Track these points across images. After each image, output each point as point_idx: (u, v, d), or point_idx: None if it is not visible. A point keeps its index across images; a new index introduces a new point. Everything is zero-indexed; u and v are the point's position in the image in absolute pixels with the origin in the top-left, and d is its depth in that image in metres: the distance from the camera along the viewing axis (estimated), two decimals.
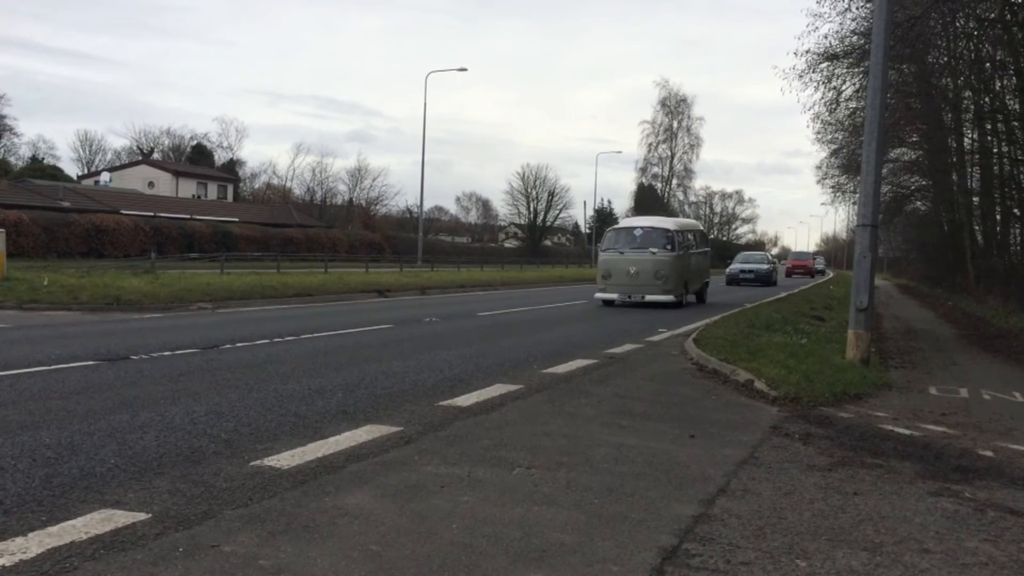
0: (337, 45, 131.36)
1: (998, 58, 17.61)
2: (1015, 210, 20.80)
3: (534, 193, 78.32)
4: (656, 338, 11.09)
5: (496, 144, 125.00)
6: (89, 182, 62.51)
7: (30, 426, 4.75)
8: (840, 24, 18.43)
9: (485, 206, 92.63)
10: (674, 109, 74.78)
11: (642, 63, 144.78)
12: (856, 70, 18.44)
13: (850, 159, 27.04)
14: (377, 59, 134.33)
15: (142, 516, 3.24)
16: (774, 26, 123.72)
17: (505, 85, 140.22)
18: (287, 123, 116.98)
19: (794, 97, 49.37)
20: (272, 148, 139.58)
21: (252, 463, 4.09)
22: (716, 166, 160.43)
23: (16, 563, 2.75)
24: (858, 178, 9.68)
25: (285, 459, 4.17)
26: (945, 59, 19.33)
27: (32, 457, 4.08)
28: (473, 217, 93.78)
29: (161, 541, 2.99)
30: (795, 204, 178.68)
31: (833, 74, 19.02)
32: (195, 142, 78.08)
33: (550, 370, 7.67)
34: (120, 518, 3.21)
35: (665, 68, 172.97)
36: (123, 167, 68.32)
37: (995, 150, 20.56)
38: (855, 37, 17.71)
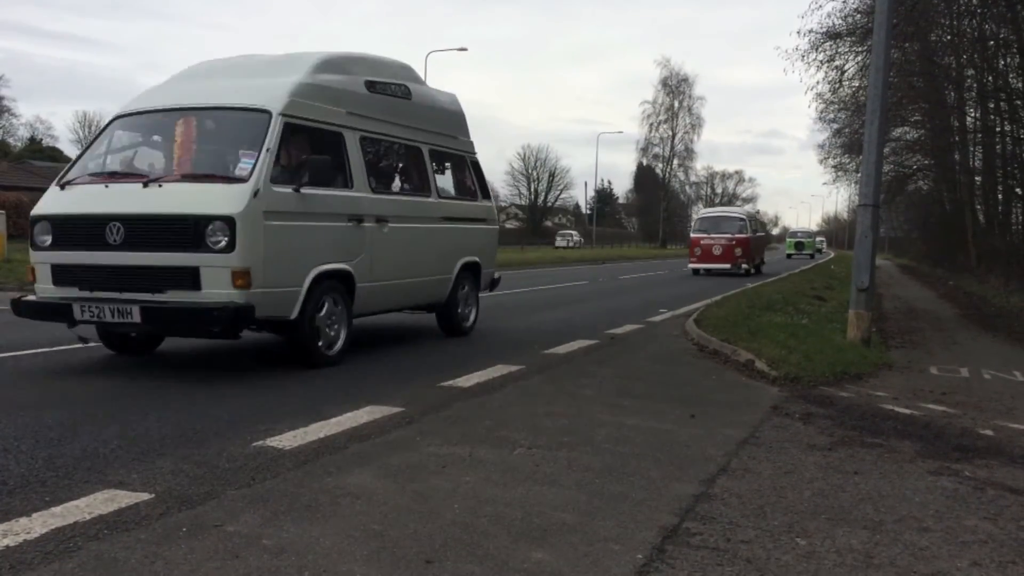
0: (330, 28, 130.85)
1: (1001, 36, 17.47)
2: (1017, 189, 20.72)
3: (535, 174, 78.10)
4: (657, 318, 11.10)
5: (487, 124, 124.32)
6: None
7: (32, 407, 4.77)
8: (843, 2, 18.29)
9: None
10: (675, 88, 74.12)
11: (630, 46, 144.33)
12: (859, 48, 18.30)
13: (852, 139, 26.89)
14: (369, 42, 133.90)
15: (145, 496, 3.26)
16: (756, 9, 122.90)
17: (494, 67, 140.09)
18: None
19: (792, 78, 49.27)
20: None
21: (254, 444, 4.10)
22: (704, 146, 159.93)
23: (20, 543, 2.77)
24: (860, 158, 9.65)
25: (287, 439, 4.18)
26: (948, 37, 19.17)
27: (35, 438, 4.10)
28: None
29: (164, 521, 3.01)
30: (790, 183, 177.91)
31: (836, 53, 18.88)
32: None
33: (551, 351, 7.68)
34: (123, 498, 3.22)
35: (650, 51, 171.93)
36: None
37: (998, 129, 20.45)
38: (858, 15, 17.59)
